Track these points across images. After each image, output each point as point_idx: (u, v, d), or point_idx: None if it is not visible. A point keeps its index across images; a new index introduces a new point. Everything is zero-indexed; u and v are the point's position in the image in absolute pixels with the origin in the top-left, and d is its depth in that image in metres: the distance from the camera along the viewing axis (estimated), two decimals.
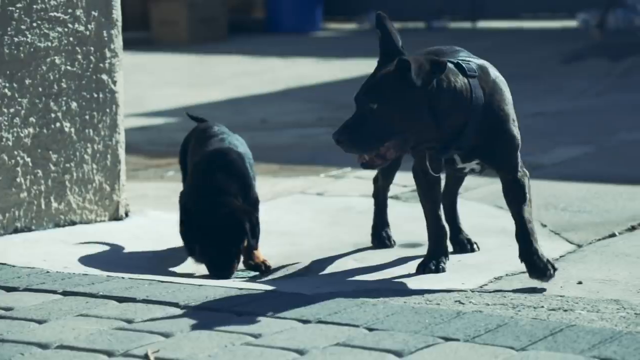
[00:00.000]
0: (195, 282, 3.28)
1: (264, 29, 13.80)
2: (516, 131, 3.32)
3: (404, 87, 3.12)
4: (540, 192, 4.41)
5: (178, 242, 3.77)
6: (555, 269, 3.22)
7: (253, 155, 3.81)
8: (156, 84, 9.62)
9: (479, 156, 3.32)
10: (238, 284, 3.31)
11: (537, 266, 3.21)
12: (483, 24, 12.76)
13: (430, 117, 3.17)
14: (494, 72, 3.33)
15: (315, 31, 13.65)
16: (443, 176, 3.58)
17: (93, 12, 4.04)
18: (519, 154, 3.33)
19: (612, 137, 5.98)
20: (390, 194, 3.94)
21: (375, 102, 3.14)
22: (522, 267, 3.27)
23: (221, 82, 9.55)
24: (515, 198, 3.31)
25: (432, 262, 3.41)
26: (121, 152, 4.14)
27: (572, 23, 11.89)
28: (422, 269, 3.41)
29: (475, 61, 3.33)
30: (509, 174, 3.32)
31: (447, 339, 2.65)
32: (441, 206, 3.49)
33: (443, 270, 3.40)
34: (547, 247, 3.43)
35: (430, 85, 3.15)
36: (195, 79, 9.90)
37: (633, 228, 3.97)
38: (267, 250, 3.74)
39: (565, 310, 2.91)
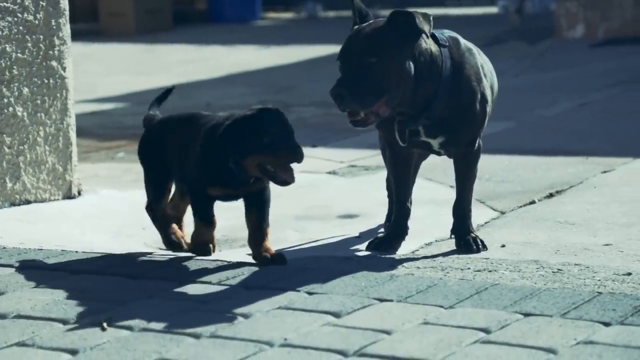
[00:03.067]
0: (146, 253, 3.25)
1: (207, 19, 13.71)
2: (484, 106, 3.13)
3: (399, 40, 2.96)
4: None
5: (129, 217, 3.73)
6: (484, 247, 3.18)
7: None
8: (106, 72, 9.50)
9: (444, 131, 3.12)
10: (189, 255, 3.29)
11: (467, 244, 3.19)
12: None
13: (413, 76, 2.99)
14: (465, 44, 3.14)
15: (255, 20, 13.58)
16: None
17: (41, 2, 3.97)
18: (481, 130, 3.16)
19: (531, 113, 6.05)
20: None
21: (374, 56, 2.94)
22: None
23: (167, 69, 9.46)
24: (464, 174, 3.22)
25: (386, 242, 3.24)
26: (72, 134, 4.08)
27: (493, 9, 11.98)
28: (375, 247, 3.23)
29: (446, 32, 3.16)
30: (465, 149, 3.18)
31: (381, 300, 2.66)
32: (411, 186, 3.30)
33: (395, 251, 3.22)
34: (474, 214, 3.45)
35: (417, 41, 2.98)
36: (142, 67, 9.80)
37: (551, 195, 4.02)
38: (218, 225, 3.71)
39: (490, 271, 2.93)
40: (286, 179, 2.93)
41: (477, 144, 3.21)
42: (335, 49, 12.47)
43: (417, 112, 3.06)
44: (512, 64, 8.21)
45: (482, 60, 3.19)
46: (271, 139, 2.89)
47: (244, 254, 3.29)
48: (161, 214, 3.34)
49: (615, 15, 9.05)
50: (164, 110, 3.52)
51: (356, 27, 3.07)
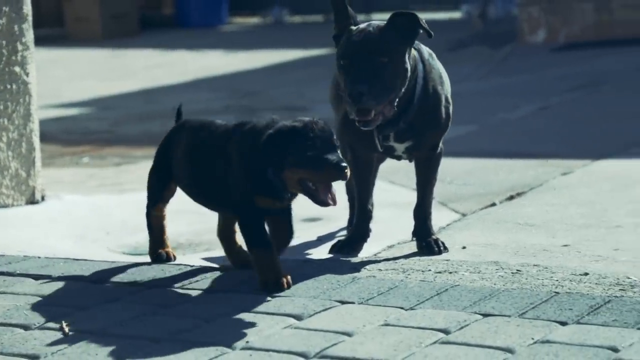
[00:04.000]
0: (108, 259, 3.23)
1: (174, 24, 13.66)
2: (448, 110, 3.16)
3: (403, 42, 2.98)
4: None
5: (93, 223, 3.71)
6: (445, 249, 3.19)
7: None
8: (71, 77, 9.44)
9: (412, 136, 3.13)
10: (149, 259, 3.27)
11: (428, 246, 3.20)
12: (377, 16, 12.82)
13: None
14: (425, 48, 3.17)
15: (222, 25, 13.56)
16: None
17: (4, 8, 3.93)
18: (445, 133, 3.18)
19: (493, 116, 6.08)
20: None
21: (385, 56, 2.93)
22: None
23: (134, 74, 9.42)
24: (426, 177, 3.23)
25: (348, 246, 3.23)
26: (35, 140, 4.05)
27: (456, 14, 12.04)
28: (338, 250, 3.23)
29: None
30: (428, 152, 3.20)
31: (343, 302, 2.66)
32: (372, 189, 3.30)
33: (357, 253, 3.21)
34: (435, 216, 3.46)
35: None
36: (108, 72, 9.74)
37: (512, 197, 4.04)
38: (179, 228, 3.71)
39: (450, 273, 2.95)
40: (326, 200, 2.68)
41: (439, 148, 3.23)
42: (301, 54, 12.38)
43: (395, 115, 3.06)
44: (475, 68, 8.26)
45: (439, 65, 3.22)
46: (316, 153, 2.66)
47: (207, 258, 3.28)
48: (153, 220, 3.11)
49: (576, 20, 9.13)
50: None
51: (357, 27, 3.03)
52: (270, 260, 2.74)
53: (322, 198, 2.67)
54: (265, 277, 2.75)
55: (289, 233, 2.85)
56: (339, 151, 2.69)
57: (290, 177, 2.69)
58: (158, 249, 3.11)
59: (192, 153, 2.94)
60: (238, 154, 2.76)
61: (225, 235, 3.05)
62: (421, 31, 3.00)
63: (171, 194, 3.13)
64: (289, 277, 2.77)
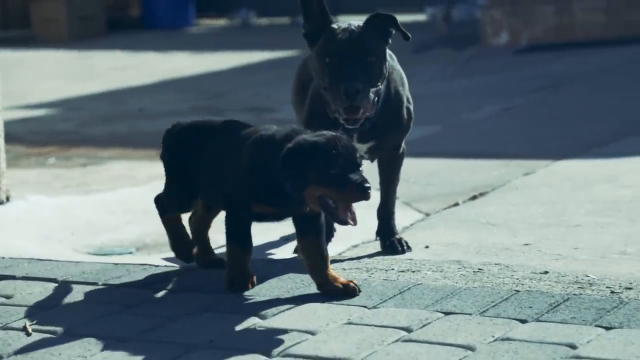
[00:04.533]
0: (73, 259, 3.21)
1: (141, 26, 13.59)
2: (410, 110, 3.17)
3: (384, 41, 3.01)
4: None
5: (58, 223, 3.69)
6: (408, 248, 3.20)
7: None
8: (38, 78, 9.37)
9: (375, 136, 3.12)
10: (114, 259, 3.26)
11: (392, 245, 3.21)
12: (344, 17, 12.84)
13: None
14: (388, 52, 3.14)
15: (189, 27, 13.51)
16: None
17: None
18: (408, 133, 3.20)
19: (457, 117, 6.12)
20: None
21: (374, 56, 2.96)
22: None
23: (100, 75, 9.36)
24: (389, 177, 3.24)
25: None
26: (0, 141, 4.02)
27: (421, 17, 12.09)
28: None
29: None
30: (391, 153, 3.20)
31: (306, 302, 2.66)
32: None
33: None
34: (399, 216, 3.48)
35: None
36: (75, 73, 9.68)
37: (474, 197, 4.07)
38: (146, 228, 3.69)
39: (413, 272, 2.96)
40: (346, 220, 2.56)
41: (402, 148, 3.24)
42: (267, 55, 12.37)
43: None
44: (440, 70, 8.30)
45: (399, 66, 3.23)
46: (339, 172, 2.53)
47: (172, 258, 3.27)
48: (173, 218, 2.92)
49: (537, 22, 9.21)
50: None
51: (341, 27, 3.03)
52: (241, 260, 2.72)
53: (343, 217, 2.58)
54: (232, 274, 2.73)
55: (320, 247, 2.68)
56: (361, 168, 2.58)
57: (310, 194, 2.56)
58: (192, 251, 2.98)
59: (207, 146, 2.78)
60: (250, 162, 2.64)
61: (198, 227, 2.98)
62: (408, 34, 3.01)
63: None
64: (254, 278, 2.76)
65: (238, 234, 2.69)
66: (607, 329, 2.38)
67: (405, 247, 3.22)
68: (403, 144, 3.25)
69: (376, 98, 3.01)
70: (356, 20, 3.11)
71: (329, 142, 2.54)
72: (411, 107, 3.21)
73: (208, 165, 2.79)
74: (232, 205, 2.71)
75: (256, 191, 2.64)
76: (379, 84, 3.00)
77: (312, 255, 2.69)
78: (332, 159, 2.53)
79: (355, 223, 2.60)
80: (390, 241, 3.24)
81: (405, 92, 3.18)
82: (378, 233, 3.30)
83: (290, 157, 2.55)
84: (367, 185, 2.55)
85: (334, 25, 3.04)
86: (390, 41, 3.05)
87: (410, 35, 3.02)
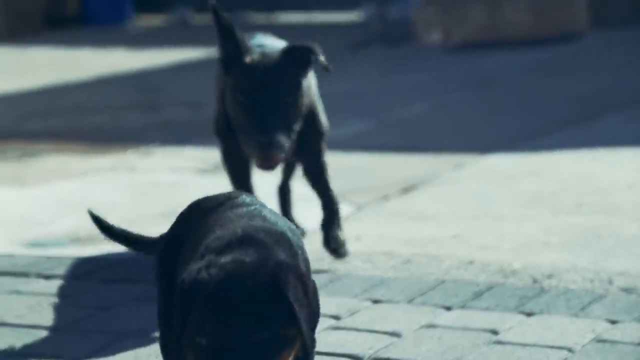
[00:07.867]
0: (4, 251, 3.17)
1: (79, 22, 13.44)
2: (324, 118, 2.99)
3: (302, 75, 2.75)
4: (330, 162, 4.48)
5: None
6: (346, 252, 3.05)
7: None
8: None
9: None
10: (47, 251, 3.22)
11: (337, 245, 3.03)
12: (280, 15, 12.84)
13: None
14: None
15: (127, 23, 13.40)
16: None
17: None
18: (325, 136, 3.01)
19: (389, 113, 6.16)
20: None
21: (291, 95, 2.70)
22: (313, 227, 3.32)
23: (37, 71, 9.22)
24: (317, 178, 3.09)
25: None
26: None
27: (355, 15, 12.14)
28: None
29: (259, 36, 2.94)
30: (313, 158, 3.03)
31: None
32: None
33: None
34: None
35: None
36: (11, 68, 9.52)
37: (405, 190, 4.11)
38: (80, 221, 3.65)
39: (344, 262, 2.98)
40: None
41: (322, 153, 3.07)
42: (205, 52, 12.32)
43: None
44: (374, 68, 8.35)
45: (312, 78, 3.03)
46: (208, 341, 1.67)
47: (104, 248, 3.24)
48: None
49: (469, 21, 9.32)
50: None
51: (251, 58, 2.74)
52: None
53: None
54: None
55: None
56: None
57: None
58: None
59: None
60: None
61: None
62: (330, 68, 2.79)
63: None
64: None
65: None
66: (528, 315, 2.42)
67: (344, 249, 2.99)
68: (324, 150, 3.06)
69: (294, 136, 2.77)
70: (274, 42, 2.89)
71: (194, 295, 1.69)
72: (323, 115, 3.00)
73: None
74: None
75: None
76: (296, 124, 2.77)
77: None
78: (199, 326, 1.68)
79: None
80: (330, 237, 3.09)
81: (318, 100, 2.99)
82: (321, 227, 3.15)
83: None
84: None
85: (247, 59, 2.73)
86: (308, 73, 2.80)
87: (332, 68, 2.78)
